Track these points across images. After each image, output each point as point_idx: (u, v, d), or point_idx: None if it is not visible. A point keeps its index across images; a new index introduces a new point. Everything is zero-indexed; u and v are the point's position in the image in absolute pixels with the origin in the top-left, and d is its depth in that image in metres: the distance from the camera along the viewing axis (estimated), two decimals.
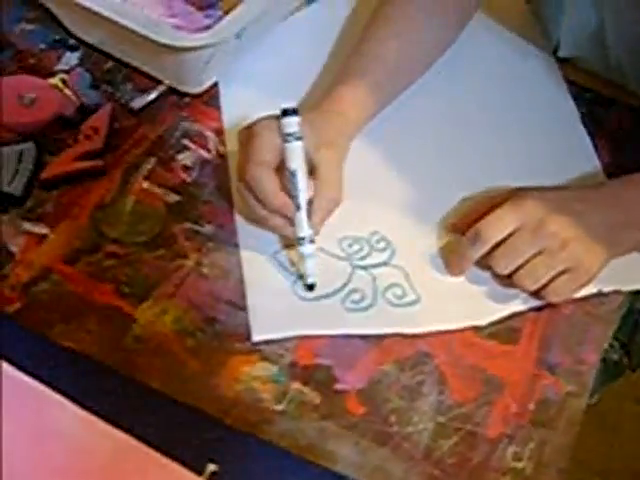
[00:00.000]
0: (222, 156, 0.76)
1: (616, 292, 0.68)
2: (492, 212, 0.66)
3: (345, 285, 0.68)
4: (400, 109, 0.78)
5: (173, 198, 0.73)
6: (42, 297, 0.66)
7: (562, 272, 0.65)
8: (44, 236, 0.70)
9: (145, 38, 0.76)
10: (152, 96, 0.80)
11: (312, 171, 0.67)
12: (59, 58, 0.83)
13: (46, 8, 0.85)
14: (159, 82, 0.80)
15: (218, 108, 0.80)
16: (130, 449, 0.55)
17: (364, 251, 0.70)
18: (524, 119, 0.81)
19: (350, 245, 0.70)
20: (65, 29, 0.85)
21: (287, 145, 0.65)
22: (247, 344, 0.64)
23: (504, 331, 0.66)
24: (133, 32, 0.76)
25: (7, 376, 0.57)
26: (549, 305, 0.67)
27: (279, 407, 0.61)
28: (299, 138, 0.65)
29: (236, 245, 0.70)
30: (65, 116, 0.76)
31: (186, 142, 0.77)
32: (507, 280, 0.67)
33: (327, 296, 0.67)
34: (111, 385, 0.62)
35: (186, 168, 0.75)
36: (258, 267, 0.68)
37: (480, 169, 0.76)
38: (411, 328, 0.65)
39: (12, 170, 0.72)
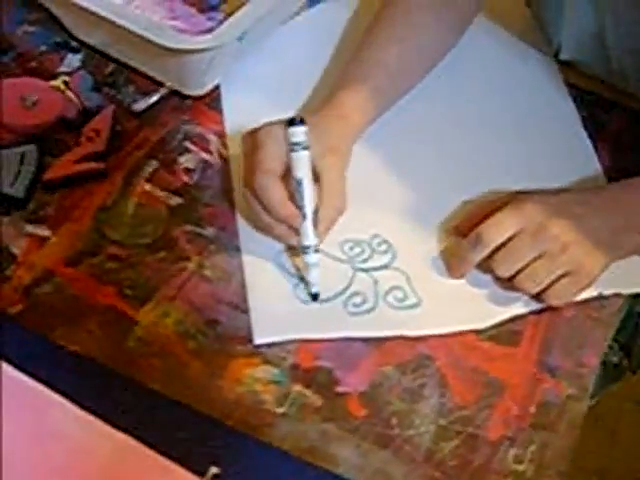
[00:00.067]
0: (224, 159, 0.76)
1: (616, 295, 0.68)
2: (493, 215, 0.66)
3: (346, 288, 0.68)
4: (401, 113, 0.79)
5: (175, 201, 0.73)
6: (44, 299, 0.66)
7: (563, 275, 0.65)
8: (46, 238, 0.70)
9: (147, 41, 0.76)
10: (154, 99, 0.80)
11: (316, 178, 0.67)
12: (61, 60, 0.83)
13: (48, 10, 0.85)
14: (161, 85, 0.81)
15: (220, 111, 0.80)
16: (131, 450, 0.55)
17: (365, 254, 0.70)
18: (525, 122, 0.81)
19: (351, 248, 0.70)
20: (67, 31, 0.85)
21: (294, 154, 0.65)
22: (249, 346, 0.64)
23: (505, 334, 0.66)
24: (135, 34, 0.76)
25: (7, 376, 0.57)
26: (550, 308, 0.67)
27: (281, 409, 0.61)
28: (306, 148, 0.65)
29: (238, 248, 0.70)
30: (67, 118, 0.77)
31: (188, 145, 0.77)
32: (508, 283, 0.67)
33: (328, 299, 0.67)
34: (113, 387, 0.62)
35: (188, 171, 0.75)
36: (260, 270, 0.68)
37: (481, 172, 0.76)
38: (412, 331, 0.65)
39: (14, 172, 0.72)
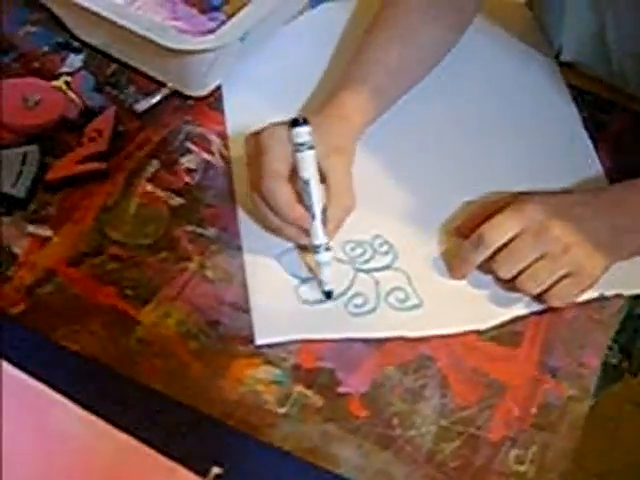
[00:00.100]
0: (226, 159, 0.76)
1: (617, 296, 0.69)
2: (494, 216, 0.66)
3: (348, 289, 0.68)
4: (402, 114, 0.79)
5: (176, 201, 0.73)
6: (46, 299, 0.66)
7: (564, 276, 0.65)
8: (48, 238, 0.70)
9: (149, 41, 0.76)
10: (156, 99, 0.80)
11: (322, 178, 0.67)
12: (63, 61, 0.83)
13: (50, 10, 0.86)
14: (163, 85, 0.81)
15: (222, 111, 0.80)
16: (133, 450, 0.55)
17: (367, 255, 0.70)
18: (526, 123, 0.81)
19: (353, 249, 0.70)
20: (69, 32, 0.85)
21: (299, 155, 0.66)
22: (250, 347, 0.64)
23: (506, 335, 0.66)
24: (137, 35, 0.76)
25: (8, 375, 0.57)
26: (551, 309, 0.67)
27: (282, 410, 0.61)
28: (311, 147, 0.66)
29: (239, 248, 0.70)
30: (69, 118, 0.77)
31: (189, 145, 0.77)
32: (509, 284, 0.67)
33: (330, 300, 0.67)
34: (114, 387, 0.62)
35: (189, 171, 0.75)
36: (261, 270, 0.68)
37: (482, 173, 0.76)
38: (413, 332, 0.66)
39: (16, 172, 0.72)
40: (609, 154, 0.79)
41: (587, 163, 0.78)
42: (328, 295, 0.67)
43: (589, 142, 0.79)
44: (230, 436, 0.60)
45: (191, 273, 0.68)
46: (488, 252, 0.66)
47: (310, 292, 0.67)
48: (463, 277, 0.69)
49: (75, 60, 0.83)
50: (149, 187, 0.74)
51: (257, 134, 0.68)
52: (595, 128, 0.81)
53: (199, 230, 0.71)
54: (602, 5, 0.77)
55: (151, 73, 0.81)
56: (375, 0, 0.82)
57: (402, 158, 0.77)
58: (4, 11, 0.87)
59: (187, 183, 0.74)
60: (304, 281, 0.68)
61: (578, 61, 0.84)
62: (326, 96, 0.75)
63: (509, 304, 0.67)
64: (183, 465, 0.54)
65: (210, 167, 0.76)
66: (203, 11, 0.84)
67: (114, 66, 0.83)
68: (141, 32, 0.76)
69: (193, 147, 0.77)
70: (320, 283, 0.67)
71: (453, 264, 0.69)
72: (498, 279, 0.68)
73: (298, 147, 0.65)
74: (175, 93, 0.81)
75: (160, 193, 0.73)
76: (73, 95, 0.78)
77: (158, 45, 0.75)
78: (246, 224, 0.71)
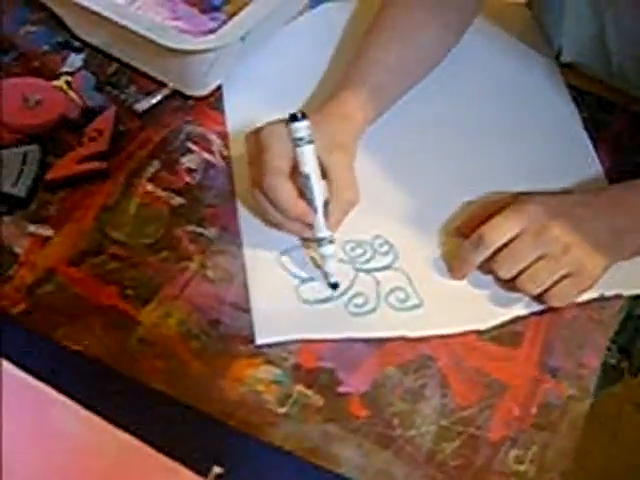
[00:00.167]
0: (226, 159, 0.76)
1: (617, 297, 0.69)
2: (495, 217, 0.67)
3: (348, 289, 0.68)
4: (402, 114, 0.79)
5: (177, 201, 0.73)
6: (46, 299, 0.66)
7: (564, 277, 0.65)
8: (48, 238, 0.70)
9: (149, 41, 0.76)
10: (156, 99, 0.80)
11: (324, 174, 0.67)
12: (63, 60, 0.83)
13: (50, 10, 0.86)
14: (163, 85, 0.81)
15: (222, 111, 0.80)
16: (134, 450, 0.55)
17: (367, 255, 0.70)
18: (526, 124, 0.81)
19: (353, 249, 0.70)
20: (69, 31, 0.85)
21: (299, 150, 0.66)
22: (251, 347, 0.64)
23: (506, 335, 0.66)
24: (137, 35, 0.76)
25: (8, 375, 0.57)
26: (551, 309, 0.67)
27: (283, 410, 0.61)
28: (310, 142, 0.66)
29: (240, 248, 0.70)
30: (69, 118, 0.77)
31: (190, 145, 0.77)
32: (509, 284, 0.67)
33: (330, 300, 0.67)
34: (115, 387, 0.62)
35: (190, 171, 0.75)
36: (262, 270, 0.68)
37: (482, 174, 0.76)
38: (414, 332, 0.66)
39: (16, 172, 0.72)
40: (609, 154, 0.79)
41: (587, 163, 0.78)
42: (334, 287, 0.67)
43: (589, 142, 0.79)
44: (231, 436, 0.60)
45: (192, 273, 0.68)
46: (488, 252, 0.66)
47: (310, 292, 0.67)
48: (463, 277, 0.69)
49: (76, 60, 0.83)
50: (150, 187, 0.74)
51: (257, 132, 0.68)
52: (595, 128, 0.81)
53: (199, 230, 0.71)
54: (601, 4, 0.77)
55: (152, 73, 0.82)
56: (375, 0, 0.82)
57: (402, 158, 0.77)
58: (4, 10, 0.87)
59: (187, 183, 0.74)
60: (304, 281, 0.68)
61: (578, 62, 0.84)
62: (326, 96, 0.75)
63: (509, 304, 0.67)
64: (184, 465, 0.54)
65: (210, 167, 0.76)
66: (204, 11, 0.84)
67: (115, 66, 0.83)
68: (142, 32, 0.76)
69: (193, 147, 0.77)
70: (325, 275, 0.67)
71: (453, 264, 0.69)
72: (498, 279, 0.68)
73: (297, 142, 0.66)
74: (175, 93, 0.81)
75: (161, 193, 0.73)
76: (74, 95, 0.78)
77: (159, 45, 0.76)
78: (247, 224, 0.71)
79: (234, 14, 0.79)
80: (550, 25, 0.85)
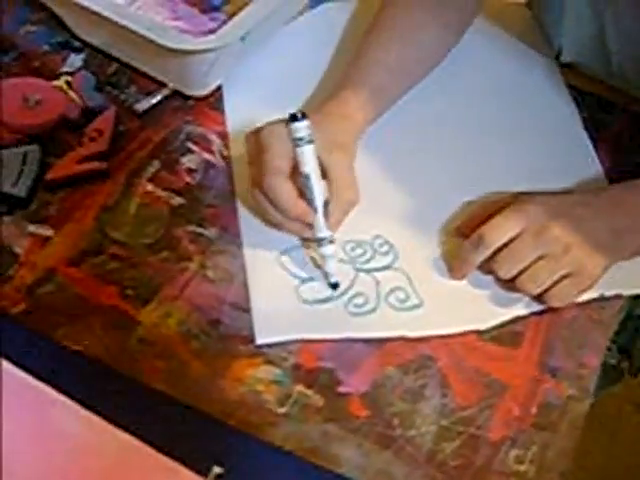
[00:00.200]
0: (226, 159, 0.76)
1: (617, 297, 0.69)
2: (495, 217, 0.67)
3: (348, 289, 0.68)
4: (402, 114, 0.79)
5: (177, 201, 0.73)
6: (46, 299, 0.66)
7: (564, 277, 0.65)
8: (48, 238, 0.70)
9: (149, 41, 0.76)
10: (156, 99, 0.80)
11: (324, 174, 0.67)
12: (63, 60, 0.83)
13: (50, 10, 0.86)
14: (163, 85, 0.81)
15: (222, 111, 0.80)
16: (134, 450, 0.55)
17: (367, 255, 0.70)
18: (526, 124, 0.81)
19: (353, 249, 0.70)
20: (69, 31, 0.85)
21: (299, 150, 0.66)
22: (251, 347, 0.64)
23: (506, 335, 0.66)
24: (137, 35, 0.76)
25: (8, 374, 0.57)
26: (551, 309, 0.67)
27: (282, 409, 0.61)
28: (310, 141, 0.66)
29: (240, 248, 0.70)
30: (69, 118, 0.77)
31: (190, 145, 0.77)
32: (509, 284, 0.67)
33: (330, 300, 0.67)
34: (115, 387, 0.62)
35: (190, 171, 0.75)
36: (262, 270, 0.69)
37: (483, 174, 0.76)
38: (414, 332, 0.66)
39: (16, 172, 0.72)
40: (609, 154, 0.79)
41: (587, 163, 0.78)
42: (334, 287, 0.67)
43: (589, 142, 0.79)
44: (231, 436, 0.60)
45: (192, 273, 0.68)
46: (488, 252, 0.66)
47: (310, 292, 0.67)
48: (463, 277, 0.69)
49: (76, 60, 0.83)
50: (150, 187, 0.74)
51: (257, 132, 0.68)
52: (595, 128, 0.81)
53: (200, 230, 0.71)
54: (601, 4, 0.77)
55: (152, 73, 0.82)
56: (375, 0, 0.82)
57: (402, 158, 0.77)
58: (5, 10, 0.87)
59: (188, 183, 0.74)
60: (304, 281, 0.68)
61: (578, 62, 0.84)
62: (326, 96, 0.75)
63: (509, 304, 0.67)
64: (184, 465, 0.54)
65: (210, 167, 0.76)
66: (204, 11, 0.84)
67: (115, 66, 0.83)
68: (142, 32, 0.76)
69: (194, 147, 0.77)
70: (325, 275, 0.68)
71: (453, 264, 0.69)
72: (498, 279, 0.68)
73: (297, 142, 0.66)
74: (175, 93, 0.81)
75: (161, 193, 0.74)
76: (74, 95, 0.78)
77: (159, 45, 0.76)
78: (247, 224, 0.71)
79: (234, 14, 0.79)
80: (550, 25, 0.85)
